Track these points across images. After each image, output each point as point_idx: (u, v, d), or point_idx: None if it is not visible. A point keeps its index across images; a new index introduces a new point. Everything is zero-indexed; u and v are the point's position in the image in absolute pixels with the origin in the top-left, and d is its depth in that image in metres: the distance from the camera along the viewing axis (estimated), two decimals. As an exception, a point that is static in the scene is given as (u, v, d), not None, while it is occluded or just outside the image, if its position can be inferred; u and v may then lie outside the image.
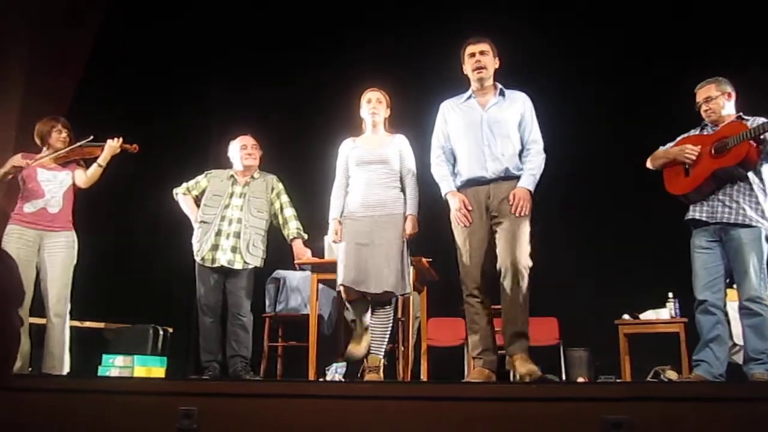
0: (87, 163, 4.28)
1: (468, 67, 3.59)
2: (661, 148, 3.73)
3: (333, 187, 3.90)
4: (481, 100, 3.59)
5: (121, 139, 4.23)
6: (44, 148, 4.24)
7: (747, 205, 3.38)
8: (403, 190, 3.79)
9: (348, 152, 3.89)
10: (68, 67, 5.64)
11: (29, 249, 3.99)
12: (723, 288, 3.47)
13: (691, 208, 3.56)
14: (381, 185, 3.75)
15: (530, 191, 3.43)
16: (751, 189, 3.41)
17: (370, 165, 3.78)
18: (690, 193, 3.54)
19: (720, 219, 3.42)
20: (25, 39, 5.43)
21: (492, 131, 3.50)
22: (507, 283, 3.35)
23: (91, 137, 4.24)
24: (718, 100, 3.54)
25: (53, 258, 4.02)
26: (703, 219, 3.48)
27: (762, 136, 3.36)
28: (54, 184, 4.15)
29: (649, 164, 3.76)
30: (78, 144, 4.22)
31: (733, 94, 3.58)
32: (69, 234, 4.12)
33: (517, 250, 3.33)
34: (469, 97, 3.63)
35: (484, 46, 3.57)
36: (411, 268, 3.71)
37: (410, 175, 3.81)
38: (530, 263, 3.36)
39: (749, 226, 3.36)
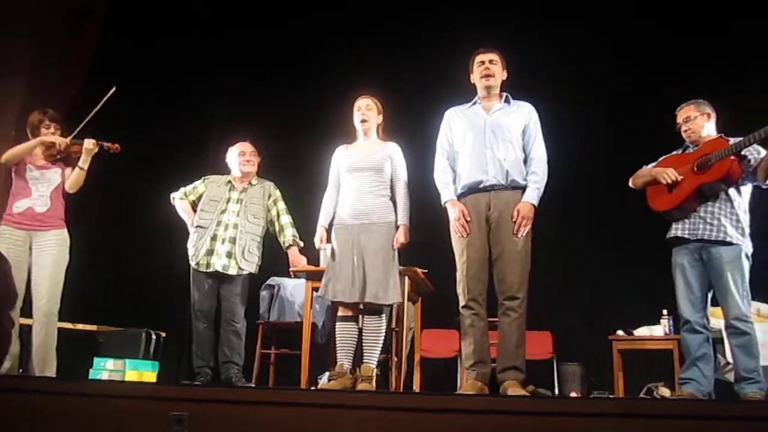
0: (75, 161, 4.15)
1: (476, 75, 3.62)
2: (644, 168, 3.76)
3: (324, 195, 3.90)
4: (486, 105, 3.62)
5: (93, 141, 4.08)
6: None
7: (728, 222, 3.41)
8: (393, 198, 3.79)
9: (340, 159, 3.90)
10: (69, 70, 5.64)
11: (19, 249, 3.91)
12: (707, 306, 3.49)
13: (672, 225, 3.58)
14: (370, 193, 3.75)
15: (534, 206, 3.44)
16: (732, 207, 3.44)
17: (360, 172, 3.79)
18: (673, 210, 3.56)
19: (701, 236, 3.44)
20: (27, 41, 5.43)
21: (495, 135, 3.51)
22: (504, 319, 3.37)
23: (111, 92, 4.12)
24: (698, 121, 3.59)
25: (44, 257, 3.92)
26: (685, 236, 3.50)
27: (743, 153, 3.40)
28: (41, 182, 4.05)
29: (631, 183, 3.79)
30: (68, 139, 4.09)
31: (713, 115, 3.63)
32: (60, 232, 4.01)
33: (518, 275, 3.35)
34: (474, 103, 3.65)
35: (494, 56, 3.61)
36: (398, 278, 3.68)
37: (401, 183, 3.81)
38: (526, 290, 3.37)
39: (730, 243, 3.38)
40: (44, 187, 4.06)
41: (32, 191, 4.03)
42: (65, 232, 4.05)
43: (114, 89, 4.16)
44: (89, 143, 4.08)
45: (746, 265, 3.40)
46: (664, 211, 3.60)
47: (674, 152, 3.71)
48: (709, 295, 3.49)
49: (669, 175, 3.53)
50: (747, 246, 3.43)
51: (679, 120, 3.65)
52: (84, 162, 4.08)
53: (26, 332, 3.97)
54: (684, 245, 3.52)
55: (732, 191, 3.46)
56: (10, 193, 4.07)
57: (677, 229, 3.54)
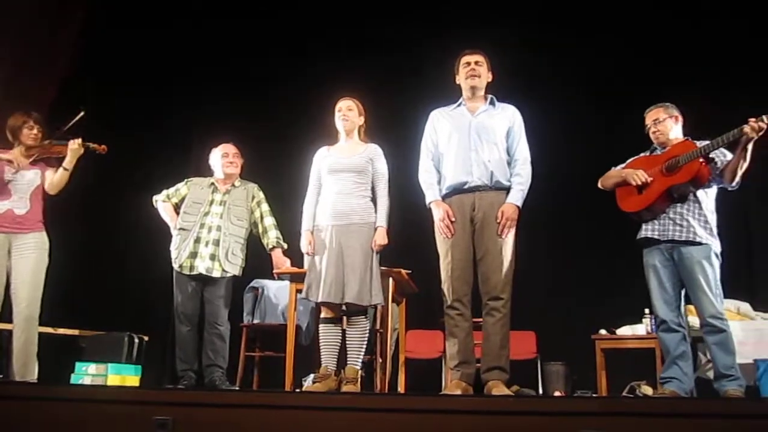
0: (58, 162, 4.09)
1: (462, 76, 3.65)
2: (613, 169, 3.80)
3: (305, 197, 3.90)
4: (471, 106, 3.64)
5: (79, 140, 4.02)
6: (15, 145, 4.06)
7: (696, 223, 3.47)
8: (374, 199, 3.80)
9: (321, 161, 3.90)
10: (49, 70, 5.57)
11: None
12: (681, 305, 3.54)
13: (643, 226, 3.62)
14: (351, 194, 3.75)
15: (519, 207, 3.47)
16: (700, 208, 3.51)
17: (340, 173, 3.79)
18: (642, 211, 3.60)
19: (671, 237, 3.49)
20: (5, 40, 5.37)
21: (480, 137, 3.53)
22: (488, 319, 3.39)
23: (79, 116, 4.04)
24: (666, 123, 3.65)
25: (23, 260, 3.87)
26: (655, 237, 3.54)
27: (711, 156, 3.47)
28: (21, 183, 3.99)
29: (600, 184, 3.82)
30: (49, 142, 4.05)
31: (680, 119, 3.69)
32: (39, 235, 3.95)
33: (502, 275, 3.37)
34: (459, 105, 3.67)
35: (479, 57, 3.64)
36: (380, 279, 3.68)
37: (381, 184, 3.81)
38: (510, 290, 3.39)
39: (699, 243, 3.44)
40: (24, 188, 4.00)
41: (12, 193, 3.98)
42: (44, 235, 4.00)
43: (83, 113, 4.09)
44: (75, 144, 4.02)
45: (716, 264, 3.46)
46: (633, 212, 3.65)
47: (642, 154, 3.77)
48: (683, 294, 3.54)
49: (639, 176, 3.58)
50: (716, 245, 3.49)
51: (648, 121, 3.71)
52: (68, 163, 4.02)
53: (6, 337, 3.92)
54: (655, 246, 3.57)
55: (700, 193, 3.53)
56: None
57: (647, 230, 3.59)
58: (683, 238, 3.46)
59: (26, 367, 3.82)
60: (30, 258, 3.89)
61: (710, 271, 3.41)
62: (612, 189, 3.76)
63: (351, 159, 3.81)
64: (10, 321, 3.89)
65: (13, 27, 5.38)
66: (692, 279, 3.41)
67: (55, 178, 4.03)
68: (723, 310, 3.41)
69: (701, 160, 3.44)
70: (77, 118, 4.09)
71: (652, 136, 3.70)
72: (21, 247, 3.90)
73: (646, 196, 3.57)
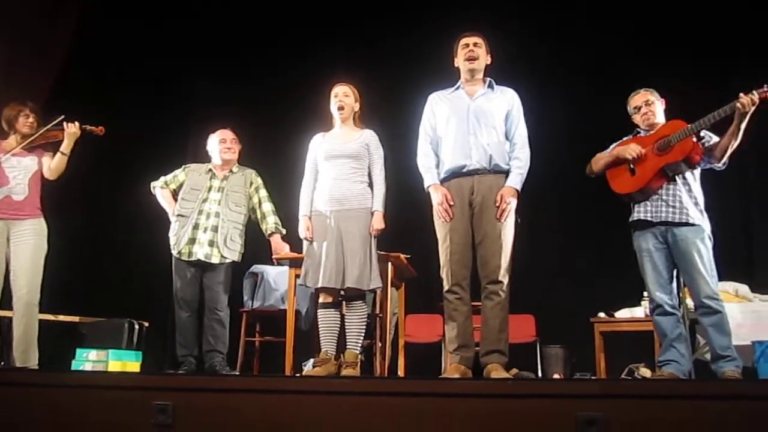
0: (54, 147, 4.11)
1: (460, 58, 3.63)
2: (600, 154, 3.78)
3: (302, 184, 3.90)
4: (470, 90, 3.62)
5: (77, 124, 4.04)
6: (11, 134, 4.09)
7: (689, 203, 3.46)
8: (371, 185, 3.79)
9: (316, 147, 3.89)
10: (47, 59, 5.55)
11: None
12: (675, 287, 3.54)
13: (635, 208, 3.59)
14: (347, 180, 3.75)
15: (517, 191, 3.46)
16: (691, 189, 3.50)
17: (337, 159, 3.78)
18: (635, 193, 3.57)
19: (665, 219, 3.47)
20: (3, 29, 5.33)
21: (478, 121, 3.51)
22: (487, 303, 3.39)
23: (62, 117, 4.04)
24: (656, 105, 3.66)
25: (21, 246, 3.89)
26: (648, 219, 3.52)
27: (701, 134, 3.47)
28: (18, 170, 4.01)
29: (588, 169, 3.79)
30: (45, 128, 4.06)
31: (663, 103, 3.70)
32: (37, 221, 3.98)
33: (501, 259, 3.36)
34: (458, 88, 3.65)
35: (478, 39, 3.62)
36: (377, 263, 3.69)
37: (378, 170, 3.81)
38: (509, 274, 3.39)
39: (693, 225, 3.44)
40: (21, 175, 4.02)
41: (9, 179, 3.99)
42: (42, 221, 4.01)
43: (62, 117, 4.06)
44: (72, 127, 4.04)
45: (710, 245, 3.46)
46: (626, 194, 3.62)
47: (626, 138, 3.74)
48: (674, 275, 3.54)
49: (633, 150, 3.55)
50: (707, 226, 3.49)
51: (639, 103, 3.68)
52: (66, 147, 4.04)
53: (6, 324, 3.93)
54: (647, 228, 3.54)
55: (688, 174, 3.52)
56: None
57: (639, 212, 3.56)
58: (677, 220, 3.45)
59: (26, 353, 3.83)
60: (29, 244, 3.90)
61: (705, 252, 3.40)
62: (602, 172, 3.73)
63: (347, 145, 3.80)
64: (10, 308, 3.90)
65: (10, 16, 5.34)
66: (687, 260, 3.41)
67: (53, 164, 4.05)
68: (718, 290, 3.41)
69: (694, 138, 3.44)
70: (56, 121, 4.05)
71: (641, 118, 3.67)
72: (19, 234, 3.91)
73: (641, 176, 3.55)
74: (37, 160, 4.09)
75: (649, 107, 3.65)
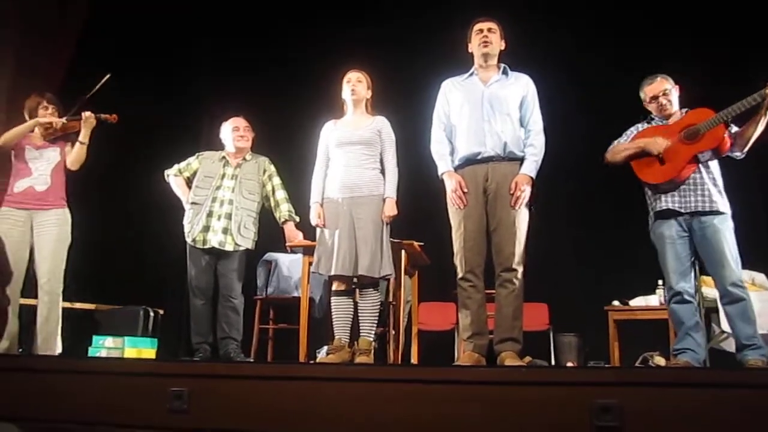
0: (73, 139, 4.17)
1: (474, 43, 3.59)
2: (617, 143, 3.72)
3: (314, 170, 3.89)
4: (483, 76, 3.58)
5: (90, 113, 4.09)
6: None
7: (715, 191, 3.44)
8: (383, 171, 3.78)
9: (328, 134, 3.88)
10: (59, 46, 5.57)
11: (20, 229, 3.94)
12: (694, 277, 3.51)
13: (662, 198, 3.53)
14: (359, 166, 3.74)
15: (532, 178, 3.43)
16: (714, 177, 3.48)
17: (349, 146, 3.77)
18: (664, 183, 3.52)
19: (694, 208, 3.44)
20: (14, 18, 5.35)
21: (492, 107, 3.48)
22: (501, 291, 3.37)
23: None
24: (673, 93, 3.61)
25: (44, 236, 3.95)
26: (676, 208, 3.48)
27: (728, 123, 3.42)
28: (41, 161, 4.08)
29: (609, 158, 3.72)
30: (65, 118, 4.12)
31: (678, 89, 3.65)
32: (61, 212, 4.03)
33: (515, 246, 3.35)
34: (472, 74, 3.62)
35: (492, 25, 3.59)
36: (390, 251, 3.68)
37: (389, 156, 3.79)
38: (523, 262, 3.37)
39: (720, 212, 3.41)
40: (44, 166, 4.09)
41: (32, 170, 4.07)
42: (66, 212, 4.07)
43: (108, 76, 4.14)
44: (86, 116, 4.09)
45: (733, 233, 3.43)
46: (659, 183, 3.57)
47: (641, 126, 3.69)
48: (692, 264, 3.51)
49: (660, 144, 3.50)
50: (729, 210, 3.46)
51: (656, 92, 3.62)
52: (84, 136, 4.11)
53: (30, 312, 3.99)
54: (673, 217, 3.50)
55: (713, 162, 3.49)
56: (11, 175, 4.10)
57: (667, 202, 3.51)
58: (707, 209, 3.41)
59: (48, 342, 3.90)
60: (51, 233, 3.97)
61: (731, 239, 3.38)
62: (623, 162, 3.66)
63: (359, 132, 3.79)
64: (34, 297, 3.95)
65: (22, 4, 5.36)
66: (714, 247, 3.37)
67: (73, 154, 4.12)
68: (742, 277, 3.39)
69: (724, 126, 3.39)
70: (103, 81, 4.14)
71: (658, 108, 3.62)
72: (43, 224, 3.98)
73: (673, 165, 3.49)
74: (60, 151, 4.15)
75: (667, 97, 3.60)
